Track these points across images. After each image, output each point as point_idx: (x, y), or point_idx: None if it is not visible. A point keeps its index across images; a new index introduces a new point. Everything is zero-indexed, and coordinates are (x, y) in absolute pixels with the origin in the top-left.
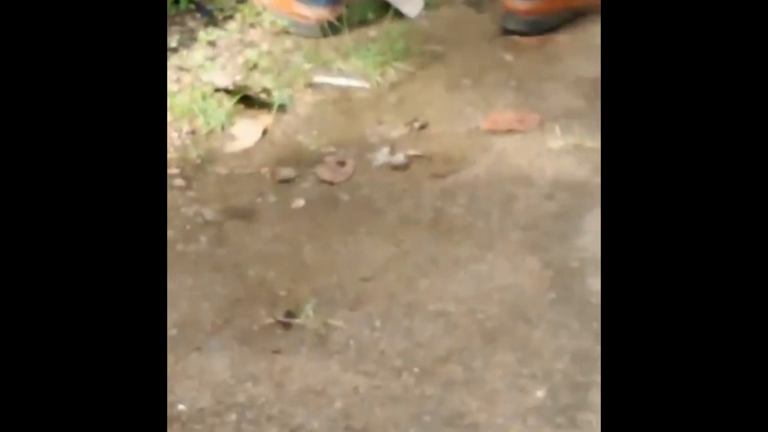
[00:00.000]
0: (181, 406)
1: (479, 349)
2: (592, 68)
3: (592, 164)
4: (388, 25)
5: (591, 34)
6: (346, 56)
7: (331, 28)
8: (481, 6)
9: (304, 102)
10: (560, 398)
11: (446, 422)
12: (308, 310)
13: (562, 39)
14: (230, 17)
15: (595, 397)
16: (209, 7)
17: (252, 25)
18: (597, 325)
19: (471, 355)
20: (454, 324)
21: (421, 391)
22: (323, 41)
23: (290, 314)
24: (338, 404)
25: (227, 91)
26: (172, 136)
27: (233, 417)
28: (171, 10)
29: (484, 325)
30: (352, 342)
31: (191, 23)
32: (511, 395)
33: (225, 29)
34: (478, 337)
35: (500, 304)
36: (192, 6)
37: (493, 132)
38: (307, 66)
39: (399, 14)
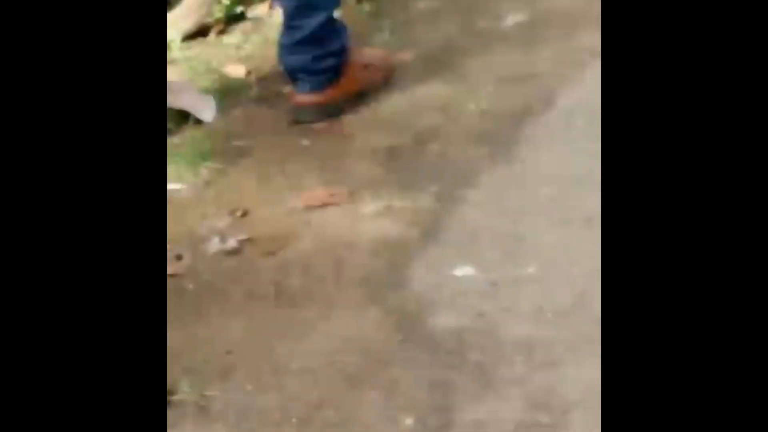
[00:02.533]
0: None
1: (347, 393)
2: (382, 139)
3: (404, 221)
4: (190, 131)
5: (374, 109)
6: None
7: None
8: (270, 102)
9: None
10: (428, 422)
11: None
12: (184, 386)
13: (350, 119)
14: None
15: (458, 416)
16: None
17: None
18: (444, 356)
19: (340, 399)
20: (318, 376)
21: None
22: None
23: (168, 393)
24: None
25: None
26: None
27: None
28: None
29: (346, 371)
30: (230, 407)
31: None
32: (384, 427)
33: None
34: (344, 383)
35: (356, 353)
36: None
37: (310, 208)
38: None
39: (197, 120)
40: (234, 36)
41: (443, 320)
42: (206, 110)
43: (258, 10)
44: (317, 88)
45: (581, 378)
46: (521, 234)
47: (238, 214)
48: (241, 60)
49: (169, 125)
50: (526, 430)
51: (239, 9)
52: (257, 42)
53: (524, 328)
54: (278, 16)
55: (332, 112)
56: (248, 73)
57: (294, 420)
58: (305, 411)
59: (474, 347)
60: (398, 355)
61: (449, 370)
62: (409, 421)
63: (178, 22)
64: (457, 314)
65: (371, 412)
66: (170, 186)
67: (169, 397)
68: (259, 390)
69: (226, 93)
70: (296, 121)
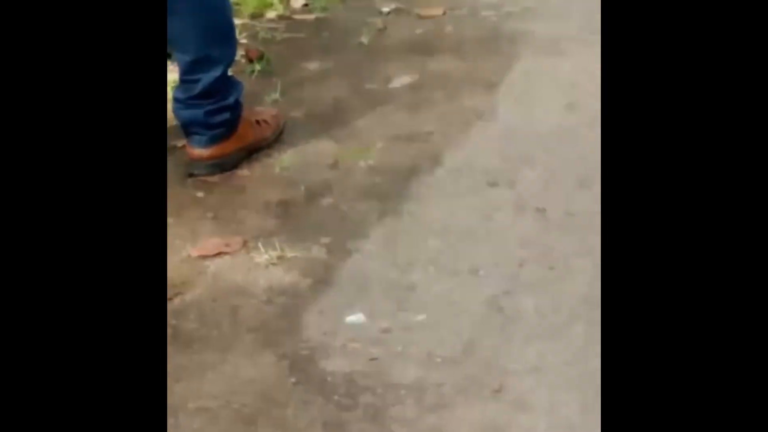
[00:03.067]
0: None
1: None
2: (275, 193)
3: (297, 270)
4: None
5: (266, 164)
6: None
7: None
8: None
9: None
10: None
11: None
12: None
13: (243, 173)
14: None
15: None
16: None
17: None
18: (338, 398)
19: None
20: (215, 416)
21: None
22: None
23: None
24: None
25: None
26: None
27: None
28: None
29: (242, 412)
30: None
31: None
32: None
33: None
34: (240, 423)
35: (251, 395)
36: None
37: (204, 257)
38: None
39: None
40: None
41: (336, 364)
42: None
43: None
44: (211, 142)
45: (469, 419)
46: (411, 283)
47: None
48: None
49: None
50: None
51: None
52: None
53: (415, 372)
54: (170, 72)
55: (226, 165)
56: None
57: None
58: None
59: (366, 390)
60: (293, 396)
61: (343, 412)
62: None
63: None
64: (349, 359)
65: None
66: None
67: None
68: None
69: None
70: (191, 175)
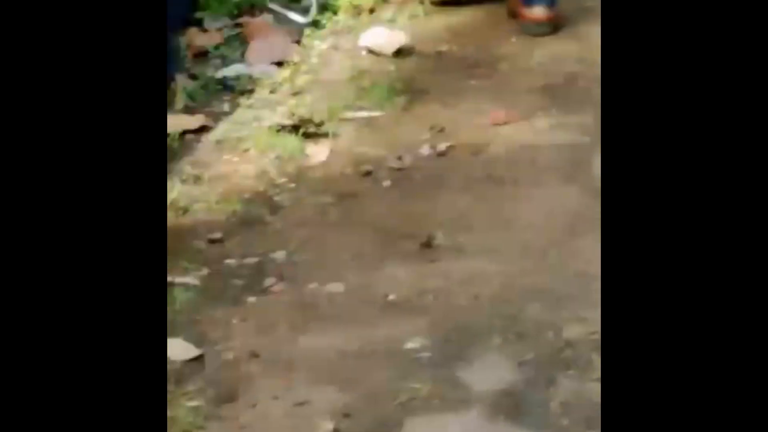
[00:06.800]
0: None
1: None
2: (537, 80)
3: (575, 129)
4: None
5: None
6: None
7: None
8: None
9: (347, 129)
10: None
11: None
12: (440, 236)
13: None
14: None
15: None
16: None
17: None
18: None
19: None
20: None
21: None
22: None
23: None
24: None
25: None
26: (264, 161)
27: None
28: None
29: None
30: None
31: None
32: None
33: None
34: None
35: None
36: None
37: (496, 125)
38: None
39: None
40: None
41: None
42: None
43: None
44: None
45: None
46: None
47: (437, 129)
48: None
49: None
50: None
51: None
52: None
53: None
54: None
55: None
56: None
57: None
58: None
59: None
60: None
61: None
62: None
63: None
64: None
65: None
66: (372, 113)
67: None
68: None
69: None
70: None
